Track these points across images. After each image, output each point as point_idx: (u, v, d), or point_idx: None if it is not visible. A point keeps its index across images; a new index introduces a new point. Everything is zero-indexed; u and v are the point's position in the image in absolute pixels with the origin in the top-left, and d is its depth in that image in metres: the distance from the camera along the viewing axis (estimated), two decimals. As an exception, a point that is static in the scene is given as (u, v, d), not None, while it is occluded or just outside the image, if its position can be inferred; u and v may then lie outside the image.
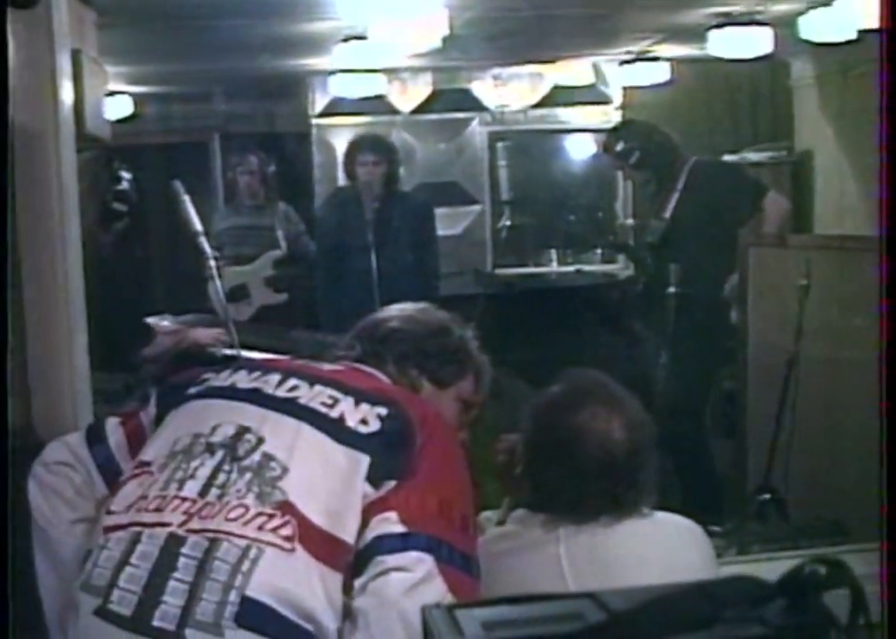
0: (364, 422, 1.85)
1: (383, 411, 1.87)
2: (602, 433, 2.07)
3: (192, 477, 1.78)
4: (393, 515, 1.74)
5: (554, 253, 7.52)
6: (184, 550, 1.70)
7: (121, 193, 3.42)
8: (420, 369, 2.15)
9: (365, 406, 1.88)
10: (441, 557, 1.72)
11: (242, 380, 1.95)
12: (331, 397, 1.89)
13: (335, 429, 1.83)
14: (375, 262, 5.23)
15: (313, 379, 1.95)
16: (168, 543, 1.71)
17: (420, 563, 1.70)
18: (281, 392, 1.91)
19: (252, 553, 1.68)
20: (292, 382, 1.93)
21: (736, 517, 3.74)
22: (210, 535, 1.70)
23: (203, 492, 1.76)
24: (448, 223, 7.08)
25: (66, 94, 2.63)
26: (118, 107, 7.04)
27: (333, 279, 5.57)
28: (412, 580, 1.68)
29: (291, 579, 1.68)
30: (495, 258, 7.01)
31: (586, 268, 7.25)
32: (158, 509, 1.75)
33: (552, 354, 5.31)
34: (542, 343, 5.62)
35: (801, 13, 4.88)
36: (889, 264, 1.53)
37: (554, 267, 7.47)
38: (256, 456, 1.79)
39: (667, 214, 4.44)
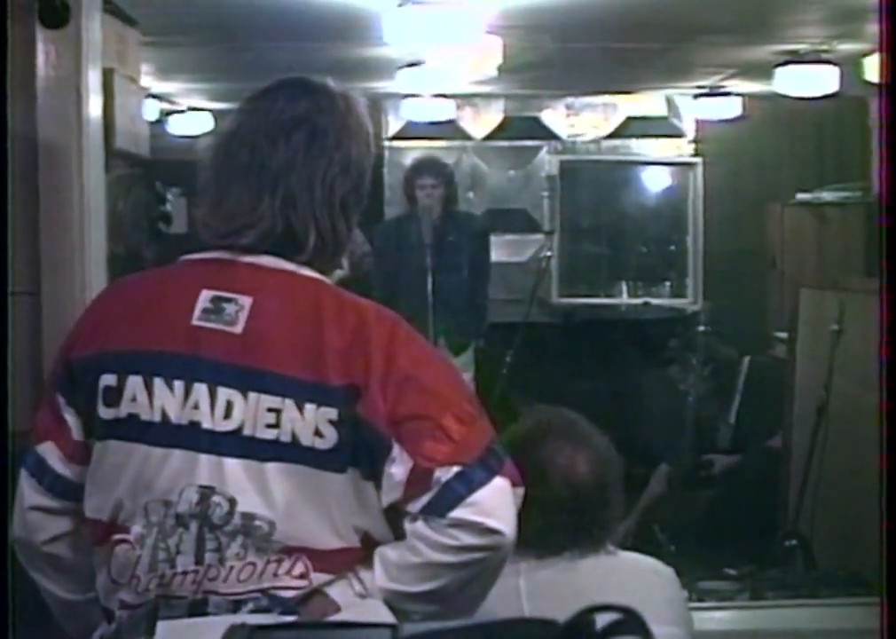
0: (318, 434, 1.69)
1: (332, 413, 1.69)
2: (566, 468, 2.08)
3: (178, 553, 1.70)
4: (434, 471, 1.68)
5: (624, 285, 7.47)
6: (210, 610, 1.69)
7: (165, 214, 3.48)
8: None
9: (310, 412, 1.69)
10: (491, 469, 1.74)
11: (170, 404, 1.73)
12: (270, 410, 1.70)
13: (296, 455, 1.69)
14: (431, 284, 5.28)
15: (237, 376, 1.72)
16: (191, 610, 1.70)
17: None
18: (220, 422, 1.71)
19: (278, 600, 1.68)
20: (222, 393, 1.71)
21: (755, 562, 3.67)
22: (232, 598, 1.69)
23: (198, 560, 1.70)
24: (514, 250, 7.09)
25: (94, 111, 2.72)
26: (198, 123, 7.26)
27: (388, 299, 5.62)
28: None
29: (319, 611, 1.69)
30: (559, 287, 6.99)
31: (654, 301, 7.18)
32: (162, 585, 1.71)
33: (593, 386, 5.28)
34: (587, 375, 5.60)
35: (866, 54, 4.80)
36: (889, 266, 1.53)
37: (624, 299, 7.41)
38: (236, 520, 1.68)
39: None
